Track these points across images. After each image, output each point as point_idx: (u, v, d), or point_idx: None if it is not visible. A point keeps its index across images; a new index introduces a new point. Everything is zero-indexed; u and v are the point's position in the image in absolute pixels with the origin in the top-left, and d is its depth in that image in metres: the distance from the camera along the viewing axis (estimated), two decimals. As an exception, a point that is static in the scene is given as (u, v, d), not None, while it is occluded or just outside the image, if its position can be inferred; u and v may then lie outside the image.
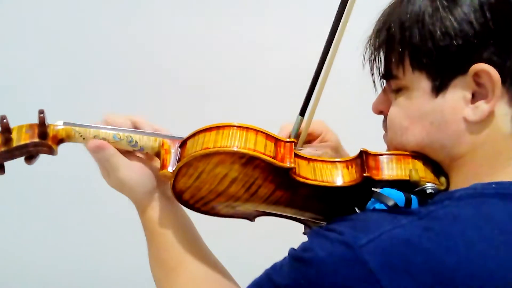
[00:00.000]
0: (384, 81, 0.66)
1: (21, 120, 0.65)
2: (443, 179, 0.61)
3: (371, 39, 0.63)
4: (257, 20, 1.40)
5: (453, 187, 0.60)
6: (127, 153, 0.67)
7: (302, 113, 0.70)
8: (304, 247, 0.53)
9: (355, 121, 1.18)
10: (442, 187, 0.61)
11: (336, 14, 0.60)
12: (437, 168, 0.62)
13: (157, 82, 1.42)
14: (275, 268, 0.56)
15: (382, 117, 0.68)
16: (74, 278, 1.49)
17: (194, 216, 0.72)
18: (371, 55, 0.63)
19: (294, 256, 0.53)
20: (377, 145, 0.67)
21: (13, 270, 1.49)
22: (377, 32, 0.62)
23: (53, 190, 1.43)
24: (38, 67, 1.40)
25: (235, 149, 0.60)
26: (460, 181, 0.58)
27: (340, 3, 0.60)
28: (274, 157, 0.61)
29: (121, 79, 1.42)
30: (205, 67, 1.41)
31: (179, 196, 0.68)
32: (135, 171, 0.66)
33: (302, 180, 0.62)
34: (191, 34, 1.41)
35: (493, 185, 0.54)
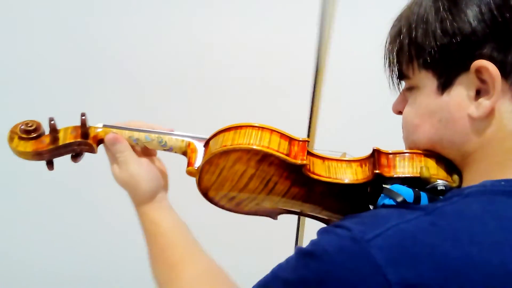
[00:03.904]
0: (402, 82, 0.68)
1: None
2: (455, 176, 0.61)
3: (386, 44, 0.66)
4: (260, 22, 1.44)
5: (465, 184, 0.60)
6: (138, 153, 0.74)
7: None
8: (312, 243, 0.55)
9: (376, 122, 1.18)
10: (454, 184, 0.61)
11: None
12: (451, 166, 0.63)
13: (161, 84, 1.48)
14: (281, 266, 0.58)
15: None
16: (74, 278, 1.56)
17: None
18: (387, 59, 0.66)
19: (303, 251, 0.55)
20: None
21: (12, 270, 1.58)
22: (391, 36, 0.65)
23: (53, 191, 1.51)
24: (44, 66, 1.49)
25: (250, 146, 0.64)
26: (471, 178, 0.59)
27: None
28: (287, 154, 0.64)
29: (127, 80, 1.49)
30: (209, 69, 1.45)
31: (205, 193, 0.73)
32: (143, 167, 0.73)
33: (315, 177, 0.65)
34: (194, 36, 1.46)
35: (502, 183, 0.54)
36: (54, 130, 0.71)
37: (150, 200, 0.73)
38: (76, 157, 0.75)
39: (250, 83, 1.45)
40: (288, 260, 0.57)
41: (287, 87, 1.39)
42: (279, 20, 1.42)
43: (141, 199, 0.73)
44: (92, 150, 0.74)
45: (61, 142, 0.72)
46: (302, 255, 0.55)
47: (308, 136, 0.74)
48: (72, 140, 0.72)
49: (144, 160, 0.74)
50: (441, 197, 0.59)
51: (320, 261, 0.52)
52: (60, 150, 0.72)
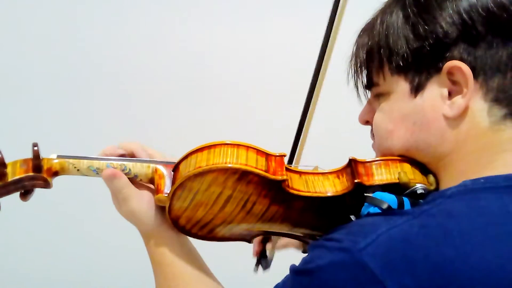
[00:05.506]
0: (368, 92, 0.69)
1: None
2: (432, 179, 0.63)
3: (353, 55, 0.67)
4: (256, 25, 1.46)
5: (443, 186, 0.61)
6: (138, 184, 0.69)
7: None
8: (305, 260, 0.54)
9: (346, 132, 1.20)
10: (432, 187, 0.62)
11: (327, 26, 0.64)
12: (425, 170, 0.64)
13: (155, 85, 1.45)
14: (278, 287, 0.56)
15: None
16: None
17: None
18: (354, 69, 0.67)
19: (296, 270, 0.54)
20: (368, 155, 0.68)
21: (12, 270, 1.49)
22: (358, 45, 0.66)
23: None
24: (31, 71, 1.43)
25: (228, 165, 0.61)
26: (449, 180, 0.60)
27: (330, 17, 0.64)
28: (266, 171, 0.62)
29: (119, 84, 1.44)
30: (204, 72, 1.45)
31: (175, 222, 0.68)
32: (145, 203, 0.67)
33: (295, 192, 0.63)
34: (190, 39, 1.46)
35: (482, 180, 0.55)
36: (1, 165, 0.63)
37: (156, 231, 0.68)
38: (25, 194, 0.67)
39: (243, 85, 1.44)
40: (284, 281, 0.56)
41: (269, 99, 1.40)
42: (284, 22, 1.46)
43: (146, 232, 0.69)
44: (46, 185, 0.66)
45: (10, 178, 0.63)
46: (296, 273, 0.54)
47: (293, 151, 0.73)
48: (23, 175, 0.64)
49: (145, 194, 0.68)
50: (421, 200, 0.60)
51: (314, 277, 0.51)
52: (9, 187, 0.64)
